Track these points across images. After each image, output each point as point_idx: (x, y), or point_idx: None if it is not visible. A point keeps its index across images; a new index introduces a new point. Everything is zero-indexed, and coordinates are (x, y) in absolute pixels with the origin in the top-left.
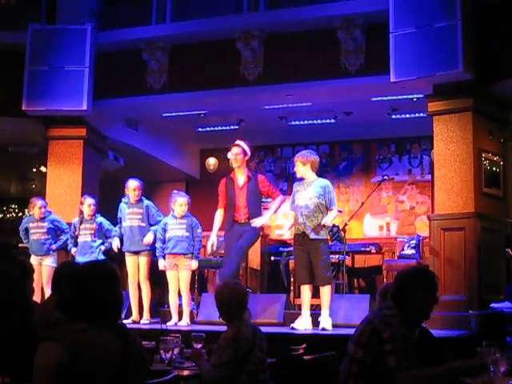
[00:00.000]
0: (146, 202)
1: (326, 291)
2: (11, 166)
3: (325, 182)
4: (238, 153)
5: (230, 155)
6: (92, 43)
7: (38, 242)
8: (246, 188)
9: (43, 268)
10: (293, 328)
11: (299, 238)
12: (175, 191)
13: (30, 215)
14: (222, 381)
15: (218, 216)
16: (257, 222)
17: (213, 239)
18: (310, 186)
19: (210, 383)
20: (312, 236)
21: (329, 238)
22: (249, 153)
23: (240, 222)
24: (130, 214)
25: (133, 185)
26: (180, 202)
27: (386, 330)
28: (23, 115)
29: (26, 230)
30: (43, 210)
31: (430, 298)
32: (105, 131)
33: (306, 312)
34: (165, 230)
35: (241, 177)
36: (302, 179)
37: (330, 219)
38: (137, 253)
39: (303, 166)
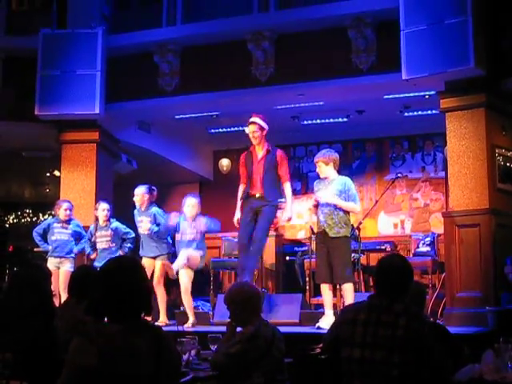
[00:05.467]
0: (154, 209)
1: (347, 289)
2: (25, 170)
3: (345, 179)
4: (255, 130)
5: (247, 131)
6: (103, 47)
7: (61, 241)
8: (264, 161)
9: (61, 272)
10: (319, 327)
11: (320, 236)
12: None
13: (54, 216)
14: (225, 372)
15: (240, 192)
16: (285, 217)
17: (237, 215)
18: (331, 184)
19: (214, 367)
20: (331, 234)
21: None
22: (266, 127)
23: (255, 196)
24: (139, 223)
25: (138, 191)
26: (188, 203)
27: (418, 325)
28: (36, 120)
29: (44, 232)
30: (68, 212)
31: None
32: (117, 134)
33: (328, 311)
34: (176, 231)
35: (260, 151)
36: (322, 178)
37: (343, 203)
38: (154, 257)
39: (326, 165)
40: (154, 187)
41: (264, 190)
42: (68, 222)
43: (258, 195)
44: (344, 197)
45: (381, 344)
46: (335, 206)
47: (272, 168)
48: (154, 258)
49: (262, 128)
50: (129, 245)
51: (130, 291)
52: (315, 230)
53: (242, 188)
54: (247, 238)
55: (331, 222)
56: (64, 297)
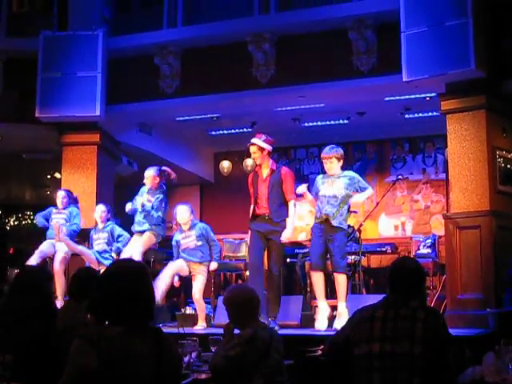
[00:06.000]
0: (159, 193)
1: (341, 280)
2: (26, 173)
3: (350, 172)
4: (254, 151)
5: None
6: (104, 49)
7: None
8: (269, 181)
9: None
10: (318, 330)
11: (321, 226)
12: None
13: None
14: (224, 374)
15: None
16: (284, 237)
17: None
18: (339, 178)
19: (213, 369)
20: (334, 223)
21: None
22: (266, 146)
23: (261, 216)
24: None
25: (148, 173)
26: (180, 213)
27: (435, 319)
28: (37, 122)
29: (47, 217)
30: (63, 200)
31: None
32: (118, 136)
33: (321, 303)
34: (178, 247)
35: (265, 170)
36: (330, 174)
37: (362, 197)
38: (141, 232)
39: (338, 161)
40: (164, 168)
41: (270, 210)
42: (64, 209)
43: (265, 216)
44: (355, 187)
45: (401, 336)
46: (342, 199)
47: (277, 187)
48: (142, 232)
49: (261, 148)
50: (120, 245)
51: (128, 298)
52: (315, 221)
53: (251, 208)
54: (258, 258)
55: (336, 213)
56: (56, 276)
